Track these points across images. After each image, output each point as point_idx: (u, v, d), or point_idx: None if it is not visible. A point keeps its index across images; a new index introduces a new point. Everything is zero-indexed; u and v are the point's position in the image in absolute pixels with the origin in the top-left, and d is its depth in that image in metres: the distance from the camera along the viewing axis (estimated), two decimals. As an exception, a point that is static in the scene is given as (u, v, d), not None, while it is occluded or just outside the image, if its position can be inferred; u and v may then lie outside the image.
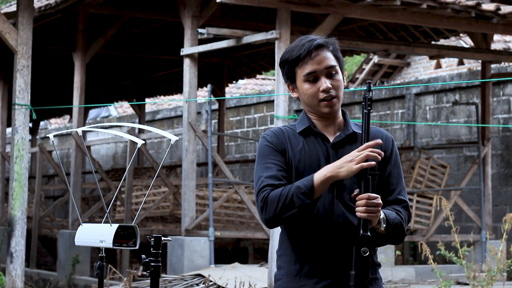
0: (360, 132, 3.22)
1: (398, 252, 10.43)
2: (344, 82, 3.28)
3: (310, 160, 3.19)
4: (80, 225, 3.89)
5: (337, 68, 3.24)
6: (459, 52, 13.76)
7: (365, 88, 3.15)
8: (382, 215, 3.11)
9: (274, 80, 17.55)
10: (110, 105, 25.19)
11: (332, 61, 3.23)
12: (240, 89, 25.35)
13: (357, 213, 3.05)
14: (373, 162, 3.06)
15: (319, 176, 3.08)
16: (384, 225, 3.12)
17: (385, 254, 11.38)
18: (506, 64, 14.89)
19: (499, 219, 12.17)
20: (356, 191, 3.09)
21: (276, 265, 3.30)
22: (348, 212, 3.18)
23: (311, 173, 3.13)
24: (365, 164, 3.04)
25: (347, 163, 3.06)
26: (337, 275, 3.17)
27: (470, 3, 10.46)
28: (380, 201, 3.05)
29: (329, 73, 3.22)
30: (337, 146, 3.22)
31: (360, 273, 3.05)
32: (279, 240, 3.32)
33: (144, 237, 4.16)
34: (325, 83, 3.19)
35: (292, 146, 3.22)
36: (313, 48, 3.22)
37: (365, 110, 3.13)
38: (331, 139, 3.23)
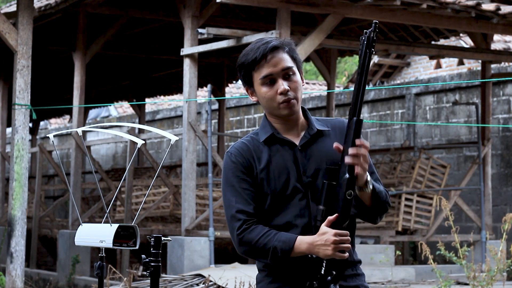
0: (324, 128, 3.23)
1: (398, 252, 10.43)
2: (303, 82, 3.23)
3: (278, 171, 3.17)
4: (80, 225, 3.90)
5: (294, 69, 3.19)
6: (459, 52, 13.76)
7: (371, 30, 3.11)
8: (368, 178, 3.09)
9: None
10: (110, 105, 25.19)
11: (288, 62, 3.18)
12: (240, 89, 25.35)
13: (346, 160, 3.03)
14: (346, 254, 3.07)
15: (298, 247, 3.09)
16: (371, 187, 3.10)
17: (385, 254, 11.38)
18: (506, 64, 14.89)
19: (499, 219, 12.18)
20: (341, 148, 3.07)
21: (257, 268, 3.29)
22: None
23: (281, 183, 3.15)
24: (338, 254, 3.05)
25: (324, 247, 3.06)
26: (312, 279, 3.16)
27: (470, 3, 10.46)
28: (367, 153, 3.05)
29: (286, 74, 3.18)
30: (304, 147, 3.20)
31: (343, 215, 3.05)
32: None
33: (144, 237, 4.16)
34: (282, 85, 3.15)
35: (258, 160, 3.19)
36: (268, 50, 3.16)
37: (367, 50, 3.10)
38: (297, 141, 3.21)
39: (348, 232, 3.09)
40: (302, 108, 3.26)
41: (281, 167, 3.17)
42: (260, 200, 3.18)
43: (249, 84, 3.24)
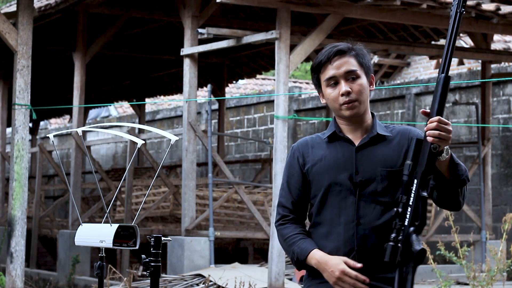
0: (386, 133, 3.32)
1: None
2: (372, 86, 3.36)
3: (332, 165, 3.29)
4: (80, 225, 3.90)
5: (358, 72, 3.31)
6: (459, 52, 13.75)
7: None
8: (446, 146, 3.13)
9: (274, 80, 17.56)
10: (110, 105, 25.19)
11: (352, 66, 3.30)
12: (240, 89, 25.34)
13: (428, 136, 3.07)
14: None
15: (309, 260, 3.26)
16: (447, 156, 3.13)
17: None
18: (506, 64, 14.89)
19: (499, 219, 12.17)
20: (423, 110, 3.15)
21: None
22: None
23: (333, 178, 3.27)
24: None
25: (328, 274, 3.21)
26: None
27: (470, 3, 10.46)
28: (451, 128, 3.08)
29: (349, 77, 3.30)
30: (362, 148, 3.30)
31: (428, 168, 3.09)
32: None
33: (144, 237, 4.16)
34: (344, 87, 3.28)
35: (313, 156, 3.34)
36: (332, 53, 3.31)
37: (458, 9, 3.14)
38: (357, 142, 3.31)
39: (356, 274, 3.17)
40: (372, 113, 3.39)
41: (335, 164, 3.30)
42: (311, 195, 3.33)
43: (318, 87, 3.38)
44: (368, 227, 3.23)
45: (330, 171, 3.28)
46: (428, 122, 3.07)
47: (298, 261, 3.26)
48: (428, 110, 3.12)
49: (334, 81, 3.30)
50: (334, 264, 3.18)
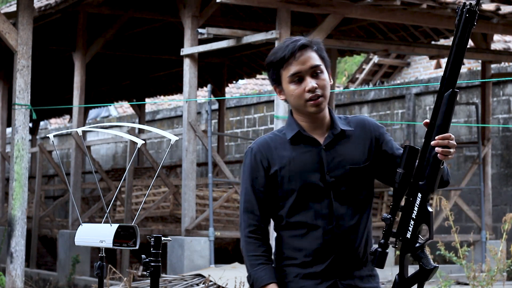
0: (348, 127, 3.25)
1: (398, 252, 10.42)
2: (330, 81, 3.26)
3: (301, 169, 3.20)
4: (80, 225, 3.90)
5: (322, 67, 3.22)
6: (459, 52, 13.73)
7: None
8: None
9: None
10: (110, 105, 25.19)
11: (316, 60, 3.21)
12: (240, 89, 25.35)
13: (440, 154, 2.99)
14: None
15: None
16: (442, 166, 3.10)
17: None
18: (506, 64, 14.89)
19: (499, 219, 12.17)
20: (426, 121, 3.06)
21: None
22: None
23: (303, 181, 3.18)
24: None
25: None
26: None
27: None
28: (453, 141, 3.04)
29: (314, 72, 3.20)
30: (328, 147, 3.23)
31: (432, 180, 3.04)
32: None
33: (144, 237, 4.16)
34: (310, 83, 3.18)
35: (278, 158, 3.23)
36: (296, 48, 3.20)
37: (468, 24, 2.95)
38: (321, 140, 3.24)
39: None
40: (328, 107, 3.30)
41: (305, 165, 3.21)
42: (279, 198, 3.23)
43: (277, 83, 3.27)
44: (345, 227, 3.21)
45: (300, 174, 3.19)
46: (438, 139, 2.99)
47: (252, 286, 3.22)
48: (428, 121, 3.05)
49: (298, 77, 3.20)
50: None
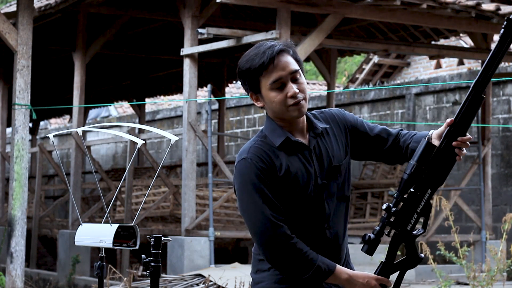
0: (325, 125, 3.26)
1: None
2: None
3: (298, 174, 3.17)
4: (80, 225, 3.90)
5: (300, 71, 3.19)
6: (459, 52, 13.77)
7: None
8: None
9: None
10: (110, 105, 25.19)
11: (294, 65, 3.17)
12: (240, 89, 25.35)
13: (460, 155, 3.07)
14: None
15: (338, 275, 3.16)
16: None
17: (385, 254, 11.36)
18: (506, 64, 14.89)
19: (499, 219, 12.17)
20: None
21: (256, 269, 3.28)
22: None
23: (301, 186, 3.15)
24: None
25: (365, 284, 3.17)
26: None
27: (470, 3, 10.46)
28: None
29: (294, 77, 3.16)
30: (315, 149, 3.23)
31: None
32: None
33: (144, 237, 4.16)
34: (292, 88, 3.14)
35: (279, 165, 3.17)
36: (275, 54, 3.14)
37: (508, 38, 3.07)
38: (305, 142, 3.23)
39: (388, 280, 3.17)
40: None
41: (301, 170, 3.18)
42: (283, 204, 3.18)
43: (254, 90, 3.20)
44: (337, 227, 3.24)
45: (299, 179, 3.16)
46: (461, 140, 3.05)
47: (323, 274, 3.12)
48: (451, 120, 3.07)
49: (280, 84, 3.13)
50: (367, 276, 3.18)
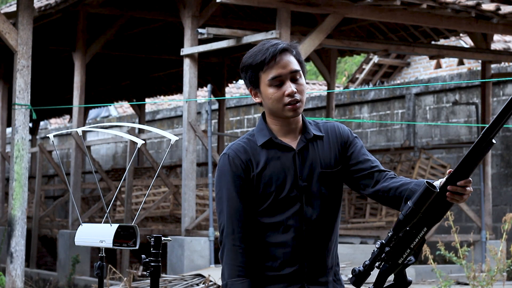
0: (319, 133, 3.26)
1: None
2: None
3: (275, 174, 3.19)
4: (80, 225, 3.90)
5: (301, 72, 3.22)
6: (459, 52, 13.77)
7: None
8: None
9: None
10: (110, 105, 25.19)
11: (296, 65, 3.21)
12: (240, 89, 25.35)
13: (462, 202, 3.01)
14: None
15: None
16: None
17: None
18: (506, 64, 14.89)
19: (499, 219, 12.18)
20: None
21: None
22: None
23: (277, 186, 3.18)
24: None
25: None
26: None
27: (470, 3, 10.46)
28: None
29: (294, 77, 3.20)
30: (301, 152, 3.23)
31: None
32: None
33: (144, 237, 4.16)
34: (290, 87, 3.17)
35: (256, 163, 3.21)
36: (277, 52, 3.18)
37: None
38: (294, 145, 3.23)
39: None
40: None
41: (279, 171, 3.20)
42: (255, 201, 3.21)
43: (254, 85, 3.24)
44: (316, 232, 3.22)
45: (274, 179, 3.18)
46: (460, 185, 2.95)
47: None
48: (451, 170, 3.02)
49: (279, 81, 3.18)
50: None
